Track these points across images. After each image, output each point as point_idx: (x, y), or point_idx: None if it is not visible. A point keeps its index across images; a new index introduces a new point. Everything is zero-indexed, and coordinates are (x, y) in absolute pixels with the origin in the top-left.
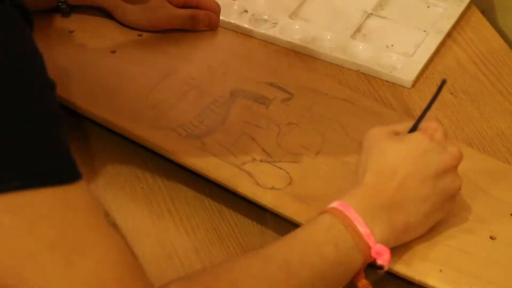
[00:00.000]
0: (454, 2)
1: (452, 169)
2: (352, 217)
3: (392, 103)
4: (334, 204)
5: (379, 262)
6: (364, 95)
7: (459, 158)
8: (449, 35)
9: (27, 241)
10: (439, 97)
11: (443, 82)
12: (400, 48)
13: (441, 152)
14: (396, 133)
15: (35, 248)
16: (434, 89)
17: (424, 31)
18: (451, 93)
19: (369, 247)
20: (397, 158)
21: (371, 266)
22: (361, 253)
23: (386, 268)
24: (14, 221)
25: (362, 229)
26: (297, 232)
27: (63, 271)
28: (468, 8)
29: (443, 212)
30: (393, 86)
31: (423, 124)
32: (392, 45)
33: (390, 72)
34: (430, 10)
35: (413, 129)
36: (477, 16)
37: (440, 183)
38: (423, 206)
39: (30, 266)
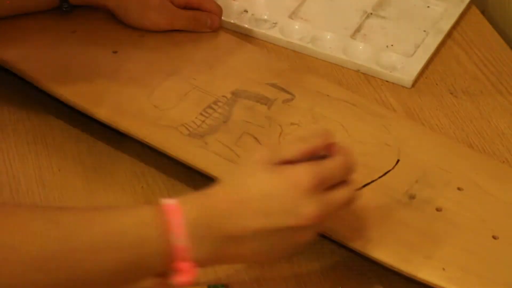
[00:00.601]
0: (454, 2)
1: (302, 226)
2: (177, 226)
3: (392, 103)
4: (167, 201)
5: (175, 280)
6: (364, 95)
7: (314, 219)
8: (449, 35)
9: None
10: (440, 97)
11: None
12: (400, 48)
13: (296, 204)
14: (283, 162)
15: None
16: (434, 89)
17: (424, 31)
18: (451, 93)
19: (173, 260)
20: (254, 185)
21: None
22: (161, 261)
23: None
24: None
25: (180, 241)
26: (111, 214)
27: None
28: (468, 8)
29: (277, 257)
30: (393, 86)
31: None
32: (392, 45)
33: (390, 72)
34: (430, 10)
35: None
36: (477, 16)
37: (283, 234)
38: (257, 245)
39: None
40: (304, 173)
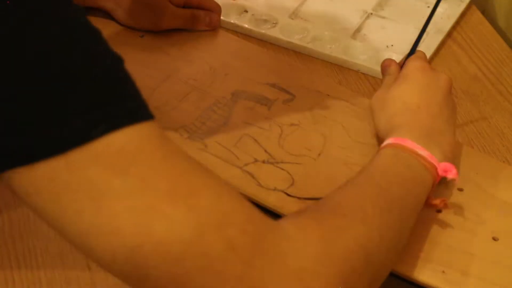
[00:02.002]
0: (454, 2)
1: (450, 88)
2: (410, 146)
3: None
4: (389, 141)
5: (450, 176)
6: (364, 95)
7: (450, 81)
8: (449, 35)
9: (145, 196)
10: None
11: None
12: (400, 48)
13: (437, 79)
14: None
15: (154, 201)
16: None
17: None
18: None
19: (435, 167)
20: (411, 96)
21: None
22: (429, 173)
23: (457, 180)
24: (125, 182)
25: (424, 152)
26: (369, 167)
27: (188, 216)
28: (468, 8)
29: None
30: None
31: (410, 62)
32: (392, 45)
33: None
34: (430, 10)
35: (411, 52)
36: (477, 16)
37: (449, 102)
38: (450, 123)
39: (154, 219)
40: (418, 64)
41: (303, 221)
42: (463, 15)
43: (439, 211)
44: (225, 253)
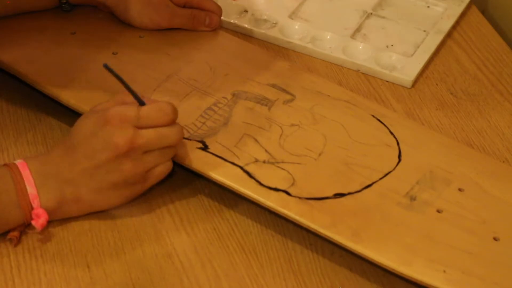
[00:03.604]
0: (454, 2)
1: (115, 157)
2: (25, 178)
3: (392, 103)
4: (17, 161)
5: (33, 223)
6: (364, 95)
7: (122, 149)
8: (449, 35)
9: None
10: (440, 97)
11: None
12: (400, 48)
13: (108, 137)
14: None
15: None
16: (434, 89)
17: (424, 31)
18: (451, 93)
19: (31, 208)
20: (79, 132)
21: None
22: (21, 211)
23: (38, 230)
24: None
25: (30, 190)
26: None
27: None
28: (468, 8)
29: (126, 195)
30: (393, 86)
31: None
32: (392, 45)
33: (390, 72)
34: (430, 10)
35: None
36: (477, 16)
37: (106, 167)
38: (91, 184)
39: None
40: (115, 110)
41: None
42: (463, 15)
43: (439, 211)
44: None
